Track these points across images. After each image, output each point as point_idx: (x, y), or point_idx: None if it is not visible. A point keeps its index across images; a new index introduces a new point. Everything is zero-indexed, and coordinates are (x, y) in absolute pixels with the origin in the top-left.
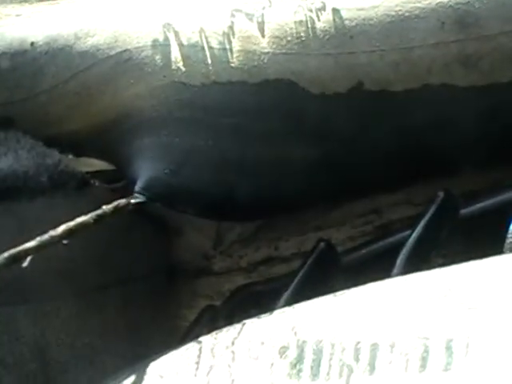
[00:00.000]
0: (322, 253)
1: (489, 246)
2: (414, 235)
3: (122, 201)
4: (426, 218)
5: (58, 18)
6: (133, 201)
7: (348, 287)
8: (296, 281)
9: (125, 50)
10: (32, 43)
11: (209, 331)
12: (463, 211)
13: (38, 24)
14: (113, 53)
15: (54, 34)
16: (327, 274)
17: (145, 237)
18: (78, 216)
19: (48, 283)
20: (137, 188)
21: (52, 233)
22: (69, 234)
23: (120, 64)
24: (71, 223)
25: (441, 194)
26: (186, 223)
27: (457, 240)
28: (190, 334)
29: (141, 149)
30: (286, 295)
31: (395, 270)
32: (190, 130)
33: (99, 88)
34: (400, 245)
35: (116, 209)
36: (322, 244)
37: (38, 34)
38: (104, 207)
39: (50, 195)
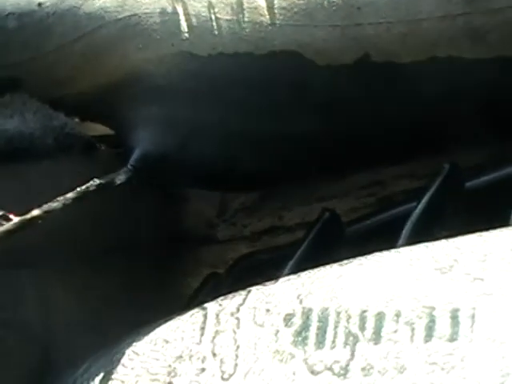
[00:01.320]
0: (327, 222)
1: (494, 219)
2: (420, 207)
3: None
4: (432, 189)
5: None
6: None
7: (353, 257)
8: (300, 250)
9: (133, 15)
10: (39, 4)
11: (212, 299)
12: (468, 184)
13: None
14: (121, 16)
15: None
16: (332, 243)
17: (149, 203)
18: (84, 179)
19: (51, 247)
20: (133, 159)
21: (60, 199)
22: (76, 201)
23: (129, 28)
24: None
25: (446, 167)
26: (190, 191)
27: (462, 213)
28: (194, 301)
29: (144, 117)
30: (290, 264)
31: (400, 241)
32: (195, 102)
33: (107, 50)
34: (405, 217)
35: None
36: (327, 214)
37: None
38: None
39: (55, 157)
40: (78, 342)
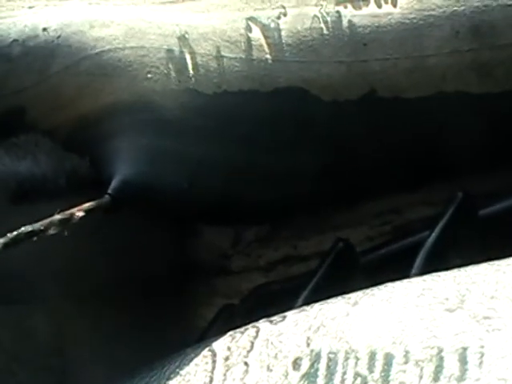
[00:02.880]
0: (341, 252)
1: (508, 247)
2: (433, 235)
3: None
4: (445, 218)
5: (71, 8)
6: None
7: (366, 287)
8: (314, 280)
9: (141, 47)
10: (44, 29)
11: (226, 330)
12: (482, 212)
13: (51, 13)
14: (128, 45)
15: (67, 20)
16: (346, 273)
17: (163, 234)
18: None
19: (64, 279)
20: (115, 187)
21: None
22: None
23: (137, 57)
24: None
25: (460, 195)
26: (203, 222)
27: (475, 241)
28: (208, 332)
29: (144, 147)
30: (304, 295)
31: (414, 270)
32: (200, 138)
33: (115, 71)
34: (418, 245)
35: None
36: (341, 243)
37: (50, 21)
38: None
39: (66, 197)
40: (90, 373)
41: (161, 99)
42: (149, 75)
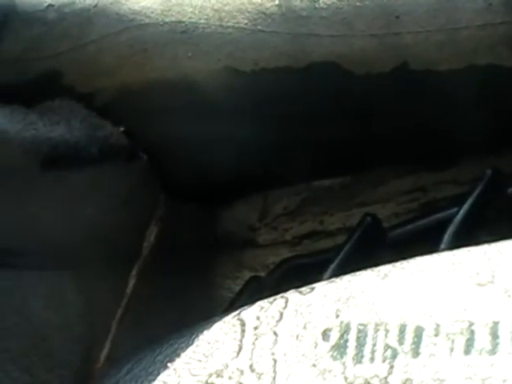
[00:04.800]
0: (369, 227)
1: None
2: (462, 212)
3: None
4: (474, 195)
5: None
6: None
7: (394, 261)
8: (342, 254)
9: (179, 21)
10: None
11: (253, 302)
12: (510, 190)
13: None
14: (168, 20)
15: None
16: (373, 248)
17: (192, 206)
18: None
19: (94, 251)
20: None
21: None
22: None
23: (176, 33)
24: None
25: (489, 172)
26: (232, 195)
27: (504, 218)
28: (235, 304)
29: (181, 127)
30: (331, 269)
31: (442, 246)
32: (243, 120)
33: (156, 47)
34: (446, 222)
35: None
36: (369, 218)
37: None
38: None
39: (99, 165)
40: (120, 342)
41: (203, 79)
42: (189, 53)
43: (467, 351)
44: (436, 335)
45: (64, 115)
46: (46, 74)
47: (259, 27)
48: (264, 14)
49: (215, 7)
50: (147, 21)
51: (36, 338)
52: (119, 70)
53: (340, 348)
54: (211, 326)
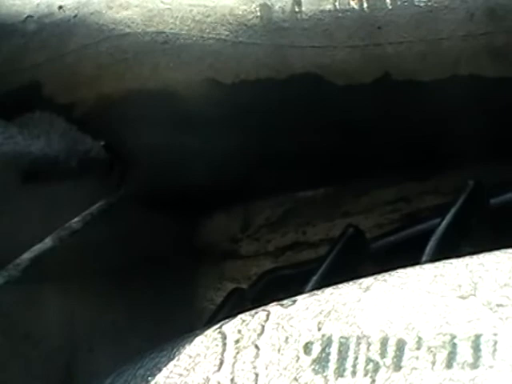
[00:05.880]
0: (351, 238)
1: None
2: (444, 223)
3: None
4: (457, 205)
5: None
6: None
7: (376, 274)
8: (324, 266)
9: (161, 32)
10: (60, 7)
11: (235, 314)
12: (493, 200)
13: None
14: (149, 30)
15: (83, 0)
16: (356, 259)
17: (173, 218)
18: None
19: (75, 262)
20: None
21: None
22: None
23: (157, 44)
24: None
25: (471, 183)
26: (214, 205)
27: (486, 229)
28: (217, 315)
29: (159, 137)
30: (313, 280)
31: (424, 258)
32: (222, 131)
33: (137, 57)
34: (429, 233)
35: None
36: (351, 229)
37: None
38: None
39: (79, 179)
40: (100, 355)
41: (183, 90)
42: (171, 64)
43: (449, 365)
44: (418, 348)
45: (44, 129)
46: (25, 86)
47: (240, 39)
48: (245, 25)
49: (196, 18)
50: (128, 30)
51: (15, 350)
52: (99, 79)
53: (322, 362)
54: (192, 339)
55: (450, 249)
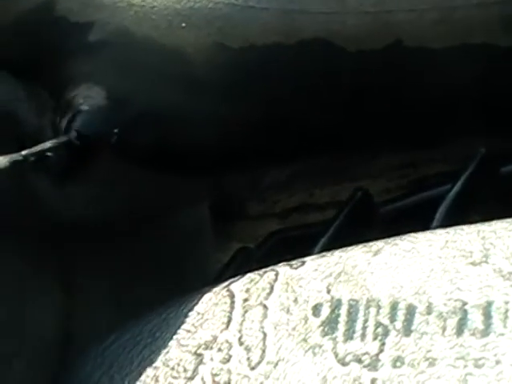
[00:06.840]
0: (359, 202)
1: None
2: (454, 189)
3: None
4: (466, 174)
5: None
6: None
7: (385, 238)
8: (332, 228)
9: None
10: None
11: (242, 274)
12: (503, 169)
13: None
14: None
15: None
16: (364, 223)
17: (179, 180)
18: None
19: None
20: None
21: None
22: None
23: (170, 2)
24: None
25: (481, 151)
26: (221, 167)
27: (497, 198)
28: (223, 275)
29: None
30: (321, 242)
31: (434, 223)
32: (229, 97)
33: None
34: (438, 199)
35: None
36: (360, 193)
37: None
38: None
39: None
40: (101, 314)
41: (193, 52)
42: (183, 24)
43: (459, 331)
44: (428, 313)
45: None
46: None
47: (250, 3)
48: None
49: None
50: None
51: None
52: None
53: (331, 323)
54: (201, 296)
55: (459, 216)
